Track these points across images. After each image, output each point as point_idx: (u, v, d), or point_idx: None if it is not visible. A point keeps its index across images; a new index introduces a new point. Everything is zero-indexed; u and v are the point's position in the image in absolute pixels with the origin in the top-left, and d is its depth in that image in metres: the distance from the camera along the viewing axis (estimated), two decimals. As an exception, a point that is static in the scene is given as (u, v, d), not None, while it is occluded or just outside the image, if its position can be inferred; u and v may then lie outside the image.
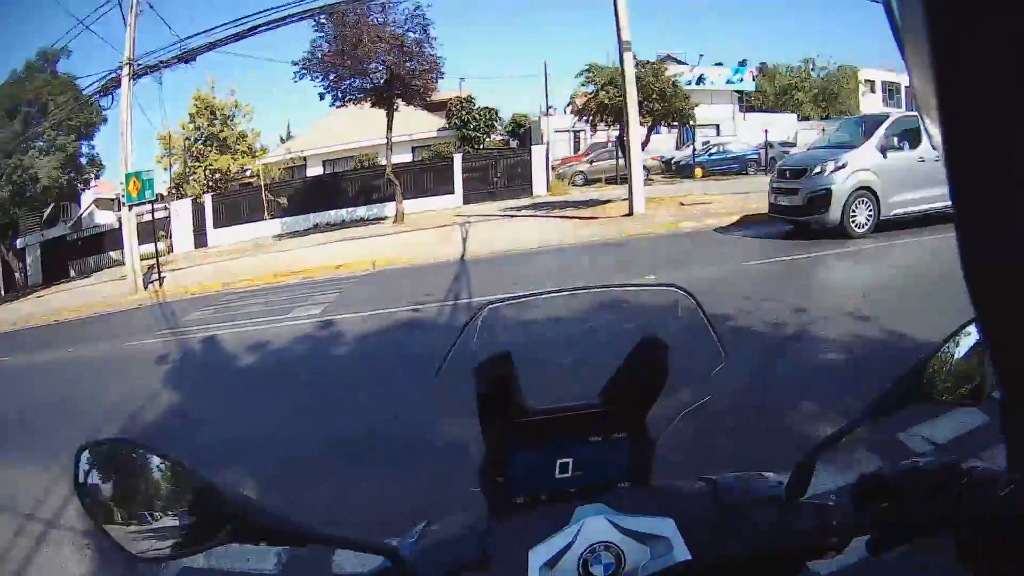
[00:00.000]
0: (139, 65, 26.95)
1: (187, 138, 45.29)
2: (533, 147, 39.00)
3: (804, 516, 1.22)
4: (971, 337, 1.29)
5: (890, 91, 60.57)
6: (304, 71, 29.31)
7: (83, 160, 42.40)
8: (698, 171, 37.92)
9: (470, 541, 1.23)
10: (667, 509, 1.18)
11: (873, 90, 59.89)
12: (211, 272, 27.23)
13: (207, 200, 40.43)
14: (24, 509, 7.25)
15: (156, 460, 1.27)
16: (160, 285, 25.94)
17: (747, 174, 37.18)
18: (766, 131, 39.05)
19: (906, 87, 59.25)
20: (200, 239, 39.73)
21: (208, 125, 45.06)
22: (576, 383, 1.59)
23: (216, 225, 39.49)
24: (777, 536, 1.22)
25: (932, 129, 0.58)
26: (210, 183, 44.28)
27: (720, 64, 51.92)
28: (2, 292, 48.14)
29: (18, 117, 38.81)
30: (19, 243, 48.41)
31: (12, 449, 9.45)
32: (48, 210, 53.61)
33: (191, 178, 45.01)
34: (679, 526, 1.14)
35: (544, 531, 1.15)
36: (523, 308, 1.71)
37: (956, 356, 1.30)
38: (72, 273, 46.31)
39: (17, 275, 45.77)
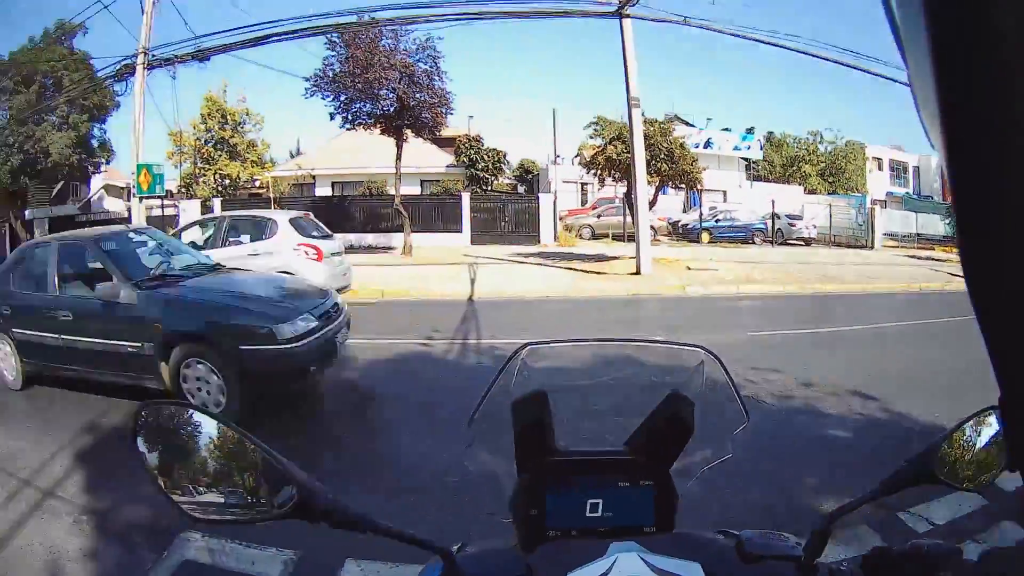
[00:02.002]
0: (153, 56, 26.86)
1: (198, 139, 45.86)
2: (541, 195, 39.33)
3: None
4: (991, 428, 1.46)
5: (896, 170, 60.96)
6: (315, 88, 29.51)
7: (94, 143, 42.89)
8: (705, 236, 38.22)
9: (511, 560, 1.37)
10: (694, 555, 1.30)
11: (880, 168, 60.03)
12: (219, 275, 27.84)
13: (216, 205, 40.14)
14: (21, 475, 7.71)
15: (219, 426, 1.38)
16: None
17: (753, 243, 37.79)
18: (773, 201, 39.78)
19: (913, 167, 60.74)
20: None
21: (219, 129, 45.70)
22: (604, 430, 1.76)
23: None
24: None
25: (932, 131, 0.65)
26: (219, 188, 44.90)
27: (728, 130, 52.09)
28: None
29: (33, 86, 39.02)
30: (27, 214, 49.35)
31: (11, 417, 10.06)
32: (58, 187, 54.04)
33: (200, 179, 45.60)
34: (705, 571, 1.26)
35: (579, 561, 1.29)
36: (554, 353, 1.81)
37: (974, 443, 1.47)
38: None
39: None
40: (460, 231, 37.33)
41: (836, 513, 1.35)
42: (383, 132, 30.60)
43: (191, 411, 1.39)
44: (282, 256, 16.55)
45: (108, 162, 46.97)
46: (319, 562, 5.22)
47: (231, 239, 17.89)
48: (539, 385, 1.53)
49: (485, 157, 42.66)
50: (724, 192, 47.61)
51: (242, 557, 5.42)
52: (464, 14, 24.20)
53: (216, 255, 13.33)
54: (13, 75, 39.42)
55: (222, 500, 1.37)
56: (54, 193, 55.62)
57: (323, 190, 45.82)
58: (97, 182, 58.57)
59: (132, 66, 26.83)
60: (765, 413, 8.42)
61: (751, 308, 17.91)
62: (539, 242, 36.01)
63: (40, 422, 9.39)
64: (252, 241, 17.49)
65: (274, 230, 17.51)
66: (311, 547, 5.36)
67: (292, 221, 17.60)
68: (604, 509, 1.48)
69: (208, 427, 1.38)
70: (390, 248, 35.13)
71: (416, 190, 42.57)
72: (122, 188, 58.66)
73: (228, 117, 45.99)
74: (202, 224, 20.07)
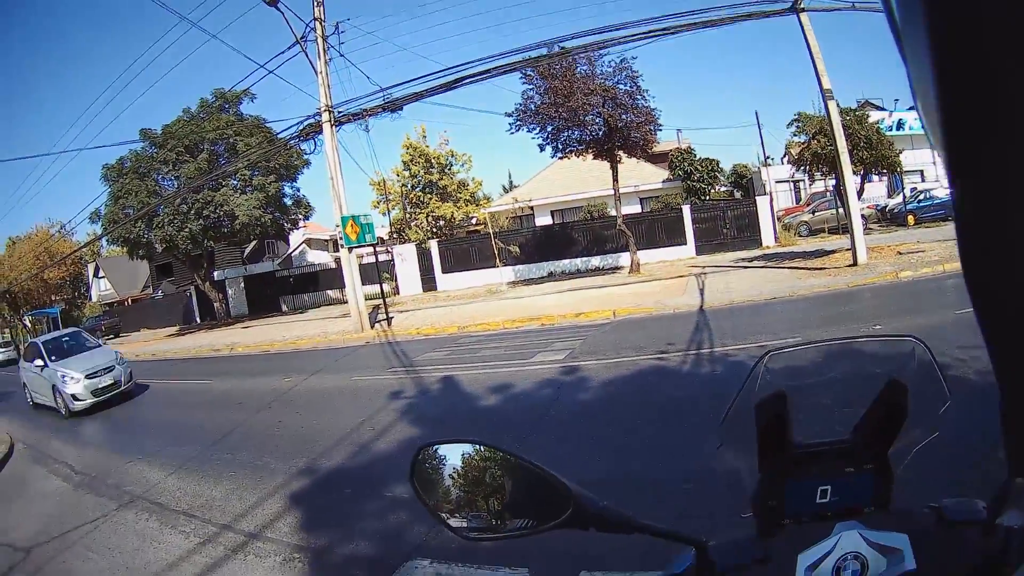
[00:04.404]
0: (340, 113, 29.52)
1: (403, 185, 48.66)
2: (758, 198, 40.58)
3: (1001, 537, 1.46)
4: None
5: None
6: (519, 123, 31.16)
7: (288, 201, 45.69)
8: (910, 218, 39.29)
9: (751, 546, 1.65)
10: (904, 527, 1.53)
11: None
12: (442, 315, 30.02)
13: (433, 246, 43.44)
14: (221, 521, 8.94)
15: (492, 453, 1.77)
16: (388, 325, 29.06)
17: (951, 220, 38.26)
18: (960, 174, 39.74)
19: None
20: (428, 283, 42.95)
21: (424, 173, 48.08)
22: (833, 422, 1.93)
23: (444, 270, 42.70)
24: (983, 553, 1.49)
25: (932, 130, 0.69)
26: (434, 229, 47.26)
27: (913, 108, 51.58)
28: (198, 320, 55.23)
29: (202, 154, 42.06)
30: (216, 275, 53.10)
31: (220, 465, 11.71)
32: (250, 246, 60.02)
33: (413, 224, 48.09)
34: (911, 542, 1.50)
35: (809, 542, 1.54)
36: (790, 356, 2.01)
37: None
38: (284, 308, 51.22)
39: (216, 305, 50.06)
40: (684, 243, 39.19)
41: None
42: (596, 156, 32.27)
43: (465, 444, 1.78)
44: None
45: (307, 218, 49.91)
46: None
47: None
48: (779, 386, 1.70)
49: (699, 168, 44.51)
50: (921, 171, 48.09)
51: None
52: (651, 32, 25.04)
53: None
54: (174, 146, 42.66)
55: (500, 518, 1.73)
56: (247, 252, 61.54)
57: (542, 219, 47.92)
58: (296, 238, 63.62)
59: (318, 125, 29.82)
60: (971, 390, 8.04)
61: (956, 286, 17.05)
62: (761, 245, 37.65)
63: (247, 470, 11.11)
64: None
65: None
66: (542, 563, 5.86)
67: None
68: (832, 494, 1.68)
69: (483, 454, 1.77)
70: (618, 268, 37.22)
71: (637, 208, 44.46)
72: (326, 240, 64.46)
73: (433, 160, 48.40)
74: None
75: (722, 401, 1.91)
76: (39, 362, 22.45)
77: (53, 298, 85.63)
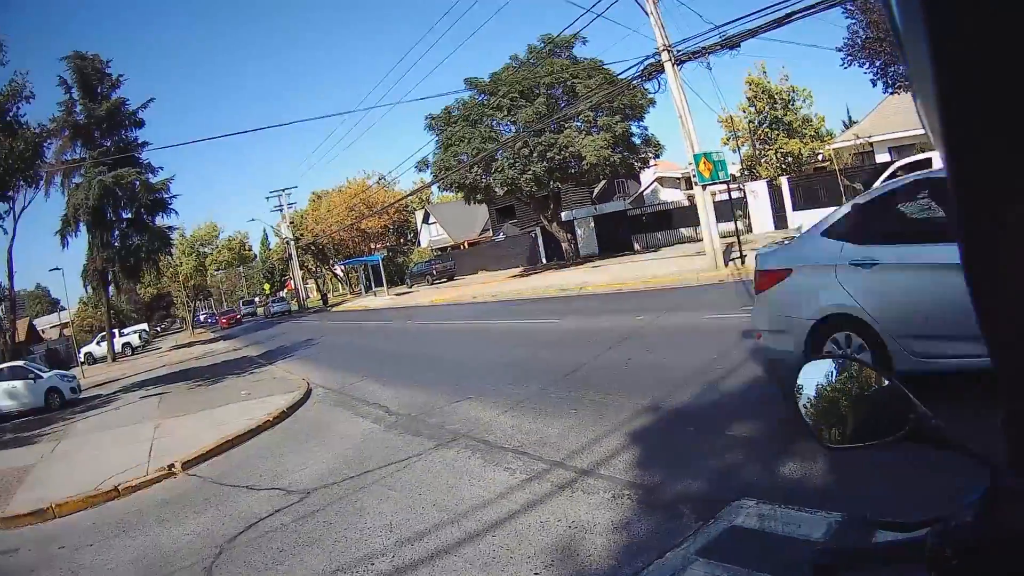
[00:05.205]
0: (679, 52, 29.52)
1: (750, 121, 49.36)
2: None
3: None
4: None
5: None
6: (850, 57, 32.58)
7: (636, 140, 46.53)
8: None
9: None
10: None
11: None
12: (795, 255, 29.75)
13: (784, 182, 43.02)
14: (554, 458, 9.10)
15: (860, 369, 1.91)
16: (742, 263, 28.08)
17: None
18: None
19: None
20: (780, 220, 43.98)
21: (769, 109, 48.51)
22: None
23: (795, 207, 42.02)
24: None
25: (931, 128, 0.71)
26: (783, 166, 47.80)
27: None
28: (543, 260, 57.55)
29: (538, 98, 44.00)
30: (564, 216, 54.55)
31: (561, 403, 11.87)
32: (599, 186, 61.64)
33: (763, 160, 48.83)
34: None
35: None
36: None
37: None
38: (636, 247, 52.62)
39: (565, 245, 51.97)
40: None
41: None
42: (921, 91, 32.82)
43: (840, 360, 1.99)
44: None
45: (657, 156, 50.44)
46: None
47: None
48: None
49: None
50: None
51: (790, 520, 5.56)
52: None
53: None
54: (506, 92, 45.03)
55: (856, 429, 1.88)
56: (596, 192, 62.99)
57: (881, 157, 45.78)
58: (647, 176, 64.97)
59: (658, 64, 30.50)
60: None
61: None
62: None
63: (589, 408, 11.25)
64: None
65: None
66: (855, 509, 5.44)
67: None
68: None
69: (851, 370, 1.95)
70: (951, 212, 37.41)
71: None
72: (678, 178, 65.11)
73: (776, 96, 48.93)
74: None
75: None
76: None
77: (373, 246, 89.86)
